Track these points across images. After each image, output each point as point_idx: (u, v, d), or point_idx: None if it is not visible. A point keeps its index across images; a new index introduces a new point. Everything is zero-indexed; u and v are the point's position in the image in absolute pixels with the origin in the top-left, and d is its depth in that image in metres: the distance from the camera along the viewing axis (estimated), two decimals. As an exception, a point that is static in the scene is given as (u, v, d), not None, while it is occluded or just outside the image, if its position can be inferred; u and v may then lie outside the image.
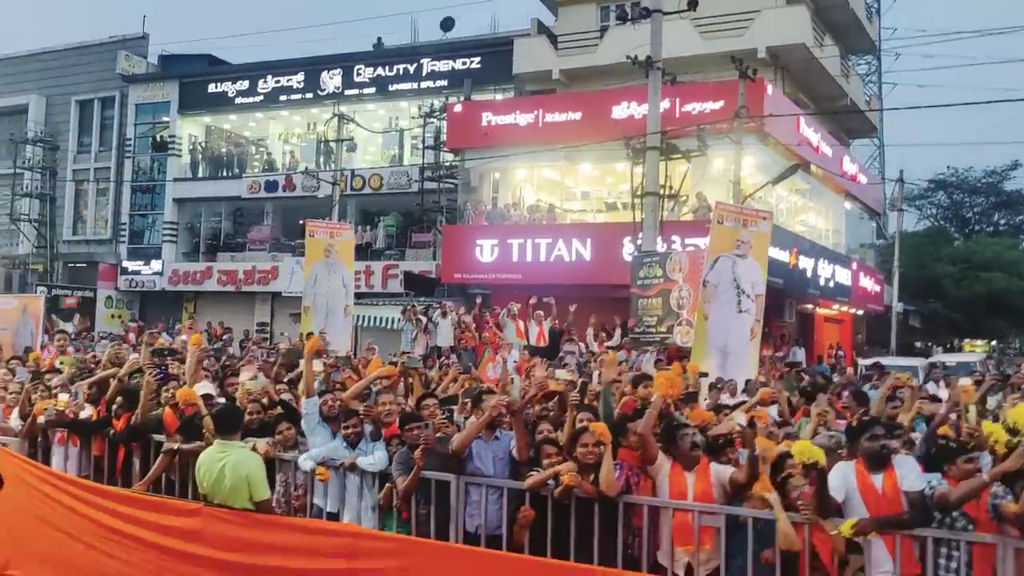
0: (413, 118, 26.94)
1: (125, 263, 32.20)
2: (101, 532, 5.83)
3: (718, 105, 20.19)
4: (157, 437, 6.92)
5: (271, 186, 30.35)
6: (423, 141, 26.28)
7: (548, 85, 25.76)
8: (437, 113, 25.65)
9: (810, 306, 25.61)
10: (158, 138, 32.61)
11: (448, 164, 25.66)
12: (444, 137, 25.65)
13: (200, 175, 32.25)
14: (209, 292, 31.11)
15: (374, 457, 5.94)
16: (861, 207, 28.72)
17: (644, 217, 17.64)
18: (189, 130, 32.77)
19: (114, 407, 7.13)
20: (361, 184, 29.32)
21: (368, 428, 6.22)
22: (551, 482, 5.24)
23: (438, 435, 5.85)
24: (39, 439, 7.27)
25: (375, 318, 21.51)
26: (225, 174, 31.79)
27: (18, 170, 33.20)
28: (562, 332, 17.02)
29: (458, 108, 23.60)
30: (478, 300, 20.20)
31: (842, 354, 25.56)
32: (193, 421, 6.78)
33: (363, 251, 28.81)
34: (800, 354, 21.93)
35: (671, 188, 18.23)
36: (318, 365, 8.02)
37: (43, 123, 34.30)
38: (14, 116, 34.87)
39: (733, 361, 14.46)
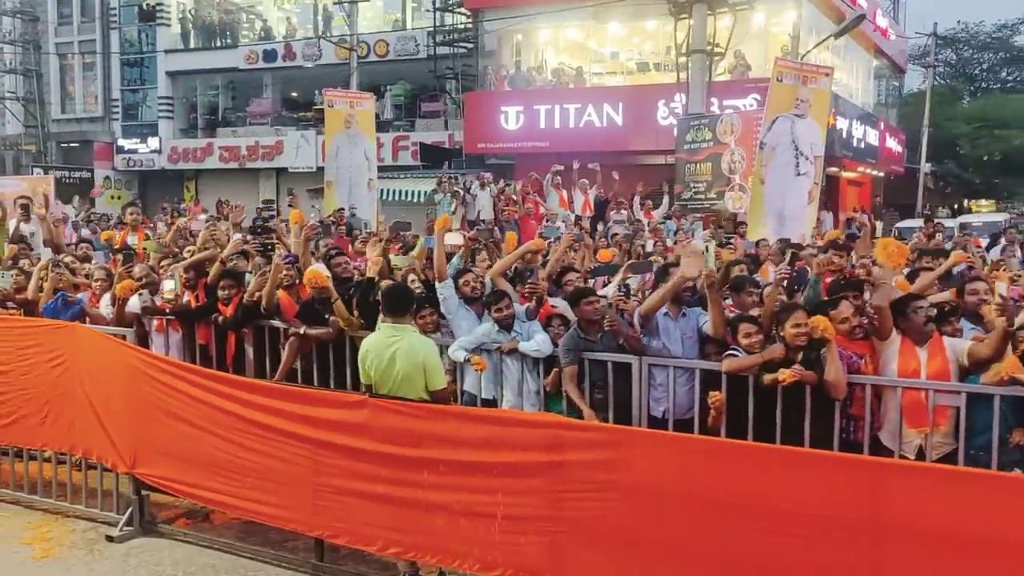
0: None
1: (121, 141, 30.84)
2: (242, 426, 5.33)
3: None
4: (274, 323, 6.37)
5: (270, 56, 28.75)
6: (433, 2, 24.71)
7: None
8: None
9: (835, 168, 24.98)
10: (144, 6, 30.64)
11: (462, 27, 24.26)
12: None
13: (192, 46, 30.49)
14: (210, 170, 29.96)
15: (537, 341, 5.42)
16: (888, 64, 27.70)
17: (690, 77, 16.74)
18: (177, -3, 30.83)
19: (220, 292, 6.53)
20: (366, 51, 27.82)
21: (519, 308, 5.67)
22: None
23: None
24: (133, 327, 6.68)
25: (400, 192, 20.71)
26: (219, 44, 30.08)
27: (-1, 44, 31.36)
28: (607, 201, 16.36)
29: (477, -35, 22.10)
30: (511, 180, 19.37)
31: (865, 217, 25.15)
32: (313, 305, 6.22)
33: (369, 122, 27.71)
34: (828, 219, 21.49)
35: (717, 45, 17.17)
36: (456, 238, 7.39)
37: (18, -9, 32.19)
38: (-16, -14, 32.69)
39: (790, 225, 13.96)
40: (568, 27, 21.41)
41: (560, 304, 5.90)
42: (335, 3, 26.15)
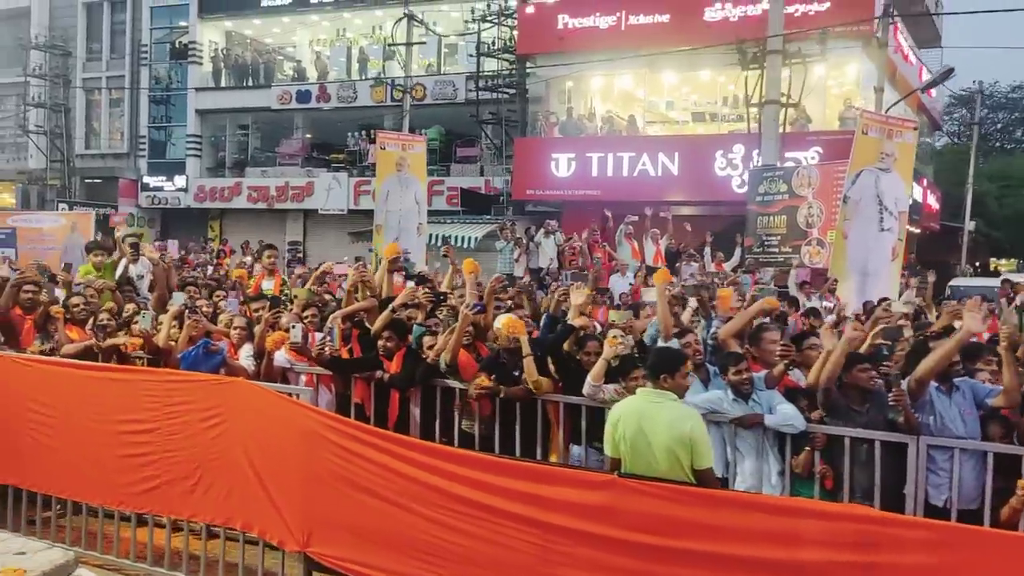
0: (467, 23, 24.97)
1: (146, 179, 30.31)
2: (447, 502, 4.67)
3: (824, 7, 18.72)
4: (450, 382, 5.74)
5: (303, 96, 28.40)
6: (477, 48, 24.43)
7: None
8: (495, 16, 23.86)
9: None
10: (177, 44, 30.34)
11: (507, 72, 23.94)
12: (499, 42, 23.97)
13: (223, 84, 30.14)
14: (235, 210, 29.43)
15: (785, 414, 4.79)
16: (928, 120, 27.56)
17: (763, 127, 16.38)
18: (209, 36, 30.52)
19: (383, 343, 5.91)
20: (402, 94, 27.53)
21: (757, 375, 5.07)
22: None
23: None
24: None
25: (450, 237, 20.15)
26: (250, 83, 29.72)
27: (27, 78, 30.86)
28: (679, 252, 15.86)
29: (530, 10, 21.82)
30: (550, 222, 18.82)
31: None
32: (499, 359, 5.60)
33: (400, 166, 27.30)
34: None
35: (789, 96, 16.84)
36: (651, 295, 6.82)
37: (47, 27, 31.81)
38: (14, 20, 32.29)
39: (872, 282, 13.54)
40: (621, 75, 21.11)
41: (797, 375, 5.29)
42: (401, 45, 25.64)
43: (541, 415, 5.51)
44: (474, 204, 24.03)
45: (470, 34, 24.47)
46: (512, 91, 23.80)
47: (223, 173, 30.29)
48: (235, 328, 6.49)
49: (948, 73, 16.06)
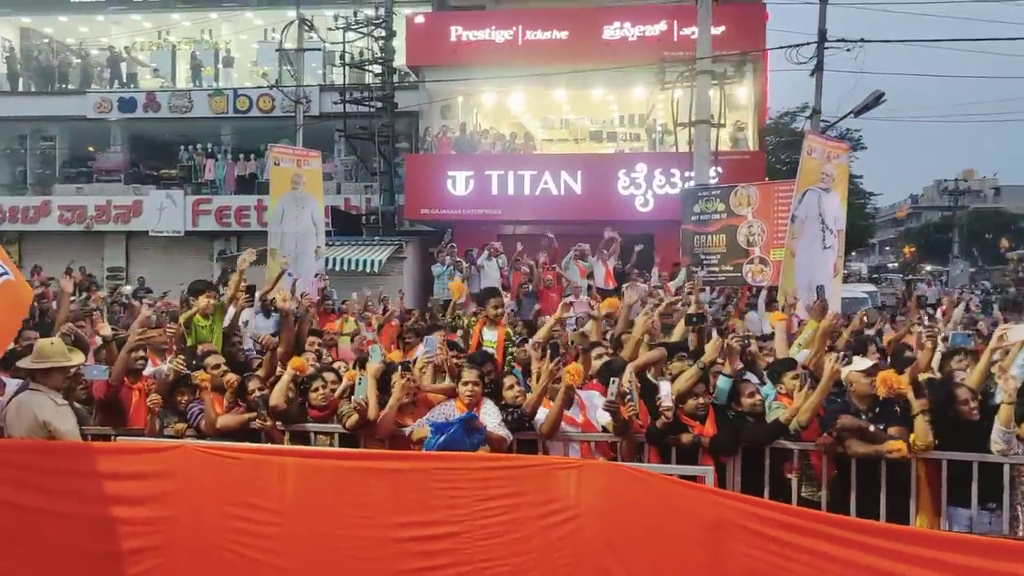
0: (330, 30, 23.29)
1: (-81, 198, 25.58)
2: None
3: (719, 30, 19.22)
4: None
5: (127, 105, 25.21)
6: (342, 58, 22.83)
7: (477, 1, 23.26)
8: (361, 24, 22.41)
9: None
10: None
11: (378, 85, 22.57)
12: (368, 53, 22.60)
13: (21, 89, 26.07)
14: (38, 232, 25.47)
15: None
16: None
17: (696, 147, 16.48)
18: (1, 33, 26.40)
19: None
20: (247, 105, 25.27)
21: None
22: None
23: None
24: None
25: (348, 261, 18.54)
26: (58, 88, 25.95)
27: None
28: (627, 273, 15.51)
29: (420, 19, 20.64)
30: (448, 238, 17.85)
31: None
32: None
33: (247, 184, 25.11)
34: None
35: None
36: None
37: None
38: None
39: (820, 299, 13.98)
40: (515, 91, 20.52)
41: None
42: (296, 50, 23.22)
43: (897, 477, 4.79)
44: (343, 224, 22.43)
45: (335, 43, 22.84)
46: (380, 104, 22.47)
47: (23, 190, 26.18)
48: (467, 384, 5.08)
49: (879, 97, 17.04)
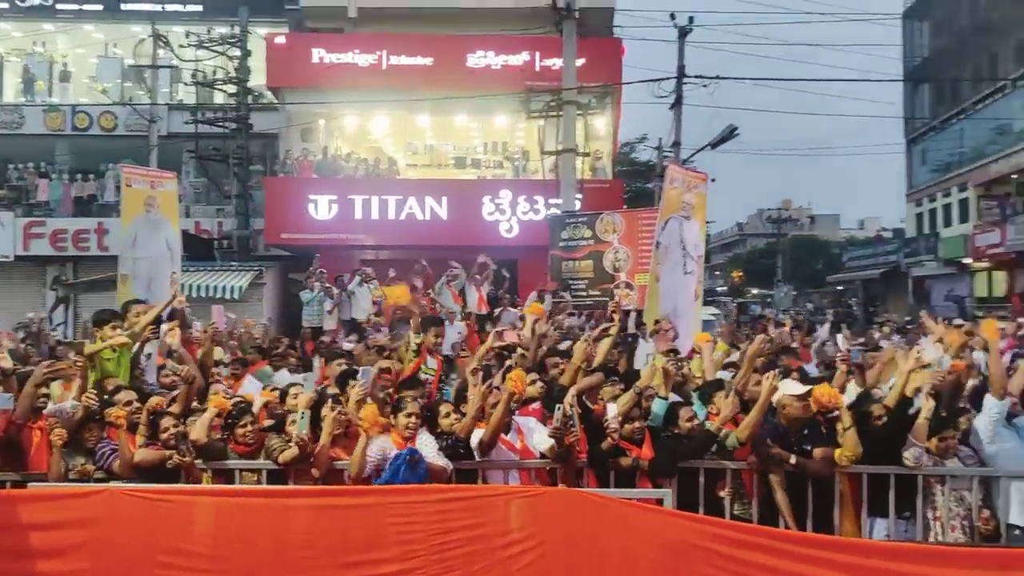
0: (182, 47, 22.30)
1: None
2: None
3: (579, 62, 19.82)
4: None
5: (-57, 117, 23.21)
6: (193, 76, 21.94)
7: (335, 24, 22.90)
8: (215, 43, 21.64)
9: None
10: None
11: (233, 105, 21.81)
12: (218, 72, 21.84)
13: None
14: None
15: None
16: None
17: (562, 175, 16.88)
18: None
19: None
20: (87, 123, 23.80)
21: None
22: None
23: None
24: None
25: (210, 287, 17.72)
26: None
27: None
28: (499, 298, 15.61)
29: (281, 40, 20.08)
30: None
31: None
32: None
33: (85, 206, 23.61)
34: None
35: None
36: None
37: None
38: None
39: (682, 324, 14.55)
40: (379, 116, 20.34)
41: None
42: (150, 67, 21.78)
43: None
44: (194, 248, 21.43)
45: (186, 61, 21.92)
46: (235, 125, 21.73)
47: None
48: (411, 416, 4.95)
49: (732, 130, 17.95)
